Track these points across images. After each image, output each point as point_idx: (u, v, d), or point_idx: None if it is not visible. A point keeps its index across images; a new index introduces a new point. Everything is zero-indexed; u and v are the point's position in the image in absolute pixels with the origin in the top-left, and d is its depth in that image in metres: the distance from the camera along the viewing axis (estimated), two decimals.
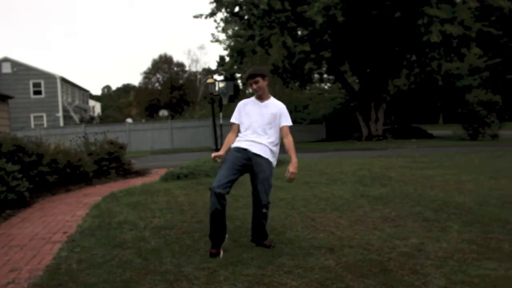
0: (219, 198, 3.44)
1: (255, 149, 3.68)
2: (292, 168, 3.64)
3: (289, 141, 3.76)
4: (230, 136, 3.86)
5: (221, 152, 3.71)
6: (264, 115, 3.75)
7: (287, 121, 3.84)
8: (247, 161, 3.66)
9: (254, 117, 3.75)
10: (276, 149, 3.82)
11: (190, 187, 7.43)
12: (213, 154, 3.69)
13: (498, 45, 27.11)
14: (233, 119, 3.86)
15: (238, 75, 30.54)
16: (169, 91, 54.55)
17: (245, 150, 3.67)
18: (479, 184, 6.57)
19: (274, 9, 19.54)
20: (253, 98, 3.90)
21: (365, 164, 9.84)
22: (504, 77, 33.45)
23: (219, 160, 3.67)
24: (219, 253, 3.53)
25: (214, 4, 21.80)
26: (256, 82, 3.73)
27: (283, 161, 10.83)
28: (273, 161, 3.79)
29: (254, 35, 20.97)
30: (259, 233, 3.79)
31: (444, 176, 7.49)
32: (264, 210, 3.67)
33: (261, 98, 3.82)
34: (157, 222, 4.89)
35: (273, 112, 3.77)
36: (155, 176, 9.73)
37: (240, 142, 3.74)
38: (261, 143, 3.70)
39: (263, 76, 3.75)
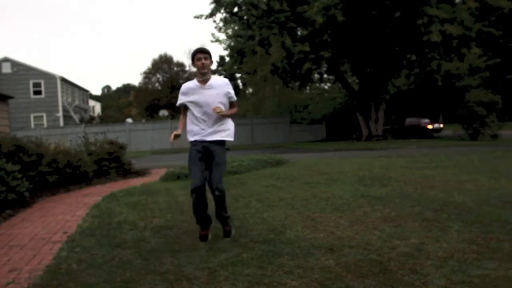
0: (197, 189, 3.83)
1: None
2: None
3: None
4: None
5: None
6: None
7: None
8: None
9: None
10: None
11: None
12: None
13: (498, 45, 27.08)
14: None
15: (238, 75, 30.51)
16: (169, 91, 54.52)
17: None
18: (479, 184, 6.57)
19: (274, 9, 19.53)
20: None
21: (365, 164, 9.84)
22: (504, 77, 33.41)
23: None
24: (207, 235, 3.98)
25: (214, 5, 21.78)
26: (206, 59, 3.87)
27: (283, 161, 10.86)
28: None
29: (254, 35, 20.96)
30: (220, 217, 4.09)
31: (444, 176, 7.48)
32: (217, 193, 3.88)
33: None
34: (157, 222, 4.89)
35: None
36: (155, 176, 9.72)
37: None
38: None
39: (210, 56, 3.93)
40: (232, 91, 3.98)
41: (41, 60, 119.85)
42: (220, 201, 3.95)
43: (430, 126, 26.04)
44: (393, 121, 27.36)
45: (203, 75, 3.88)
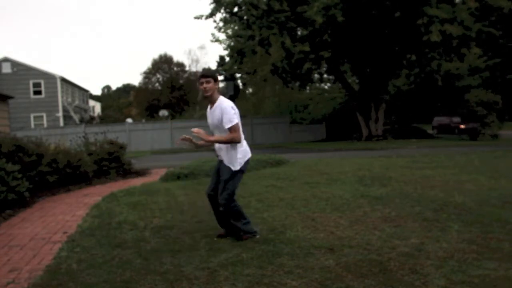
0: (208, 197, 4.15)
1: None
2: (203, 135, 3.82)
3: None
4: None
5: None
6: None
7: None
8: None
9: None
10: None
11: (190, 187, 7.43)
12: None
13: (498, 45, 27.05)
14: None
15: (238, 75, 30.48)
16: (169, 91, 54.51)
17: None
18: (479, 184, 6.57)
19: (274, 9, 19.52)
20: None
21: (365, 164, 9.84)
22: (504, 77, 33.39)
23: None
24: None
25: (214, 5, 21.78)
26: (208, 82, 3.87)
27: (283, 161, 10.86)
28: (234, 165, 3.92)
29: (254, 35, 20.96)
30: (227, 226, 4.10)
31: (444, 176, 7.48)
32: (221, 208, 3.94)
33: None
34: (157, 222, 4.89)
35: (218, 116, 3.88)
36: (155, 176, 9.73)
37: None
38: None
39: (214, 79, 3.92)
40: (225, 118, 3.76)
41: (41, 60, 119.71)
42: (226, 215, 3.97)
43: (463, 126, 23.29)
44: (393, 121, 27.32)
45: (207, 98, 3.95)
